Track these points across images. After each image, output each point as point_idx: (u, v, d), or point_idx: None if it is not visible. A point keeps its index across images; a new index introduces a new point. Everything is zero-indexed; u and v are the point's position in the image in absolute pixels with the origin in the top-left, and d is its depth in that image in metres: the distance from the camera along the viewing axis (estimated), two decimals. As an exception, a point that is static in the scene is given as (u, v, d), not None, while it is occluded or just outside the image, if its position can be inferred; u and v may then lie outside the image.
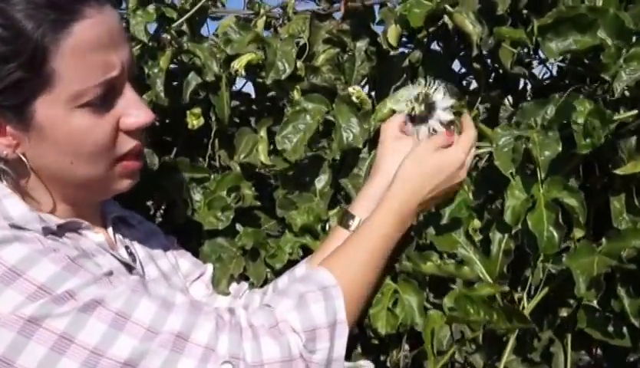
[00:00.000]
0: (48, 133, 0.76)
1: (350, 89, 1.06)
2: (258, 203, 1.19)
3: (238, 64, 1.12)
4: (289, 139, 1.08)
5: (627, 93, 0.99)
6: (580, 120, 0.95)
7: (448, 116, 0.92)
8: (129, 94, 0.80)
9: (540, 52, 1.25)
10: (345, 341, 0.82)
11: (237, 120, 1.36)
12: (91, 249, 0.81)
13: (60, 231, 0.79)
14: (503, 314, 0.86)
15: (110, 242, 0.88)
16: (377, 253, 0.88)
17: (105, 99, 0.77)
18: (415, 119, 0.92)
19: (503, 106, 1.35)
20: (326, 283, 0.85)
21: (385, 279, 1.03)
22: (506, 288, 0.98)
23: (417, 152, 0.90)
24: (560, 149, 0.94)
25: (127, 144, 0.81)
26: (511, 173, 0.96)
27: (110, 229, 0.91)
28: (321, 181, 1.15)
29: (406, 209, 0.89)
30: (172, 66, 1.21)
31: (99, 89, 0.76)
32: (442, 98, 0.92)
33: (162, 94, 1.14)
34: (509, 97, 1.39)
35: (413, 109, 0.91)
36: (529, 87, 1.35)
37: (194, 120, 1.19)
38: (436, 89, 0.92)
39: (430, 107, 0.92)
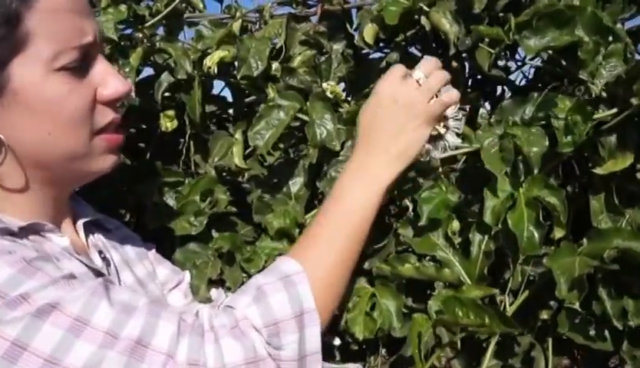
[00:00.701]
0: (24, 98, 0.71)
1: (324, 84, 1.03)
2: (234, 209, 1.15)
3: (210, 61, 1.08)
4: (261, 135, 1.03)
5: (604, 94, 0.96)
6: (561, 117, 0.92)
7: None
8: (104, 65, 0.77)
9: (518, 55, 1.24)
10: (318, 331, 0.76)
11: (214, 126, 1.33)
12: (55, 253, 0.76)
13: (21, 232, 0.74)
14: (496, 317, 0.81)
15: (79, 247, 0.84)
16: (348, 226, 0.83)
17: (81, 66, 0.74)
18: None
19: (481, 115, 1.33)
20: (287, 270, 0.80)
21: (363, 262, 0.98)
22: (496, 290, 0.94)
23: (374, 90, 0.86)
24: (547, 143, 0.91)
25: (106, 116, 0.78)
26: (504, 173, 0.93)
27: (82, 233, 0.86)
28: (297, 184, 1.11)
29: (373, 163, 0.84)
30: (147, 68, 1.18)
31: (75, 52, 0.72)
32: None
33: (133, 94, 1.09)
34: (487, 104, 1.38)
35: None
36: (507, 94, 1.33)
37: (168, 123, 1.15)
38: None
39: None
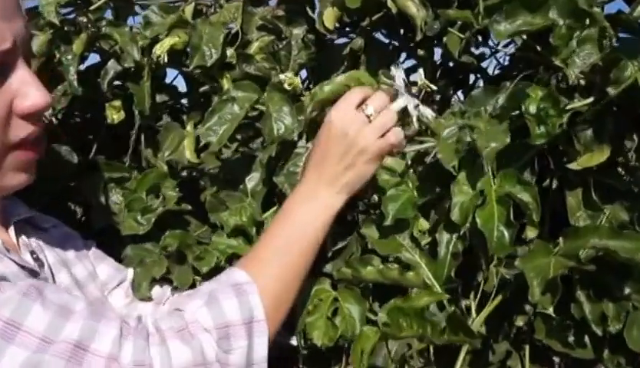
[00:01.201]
0: None
1: (282, 75, 0.96)
2: (189, 207, 1.09)
3: (160, 49, 1.00)
4: (214, 131, 0.97)
5: (582, 81, 0.91)
6: (532, 108, 0.87)
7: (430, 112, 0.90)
8: (23, 74, 0.70)
9: (492, 41, 1.18)
10: (266, 341, 0.76)
11: (168, 117, 1.26)
12: None
13: None
14: (446, 326, 0.76)
15: (11, 246, 0.79)
16: (297, 244, 0.83)
17: None
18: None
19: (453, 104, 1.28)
20: (238, 279, 0.80)
21: (314, 281, 0.94)
22: (447, 296, 0.88)
23: (327, 117, 0.86)
24: (508, 140, 0.86)
25: (22, 130, 0.72)
26: (454, 167, 0.87)
27: (12, 232, 0.82)
28: (253, 179, 1.05)
29: (323, 192, 0.84)
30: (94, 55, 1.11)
31: None
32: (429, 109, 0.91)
33: (75, 83, 1.02)
34: (459, 94, 1.32)
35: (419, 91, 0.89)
36: (480, 83, 1.28)
37: (114, 114, 1.08)
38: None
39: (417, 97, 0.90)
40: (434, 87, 0.89)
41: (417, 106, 0.88)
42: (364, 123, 0.85)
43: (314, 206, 0.85)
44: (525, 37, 1.02)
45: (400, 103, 0.88)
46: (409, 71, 1.22)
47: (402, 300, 0.88)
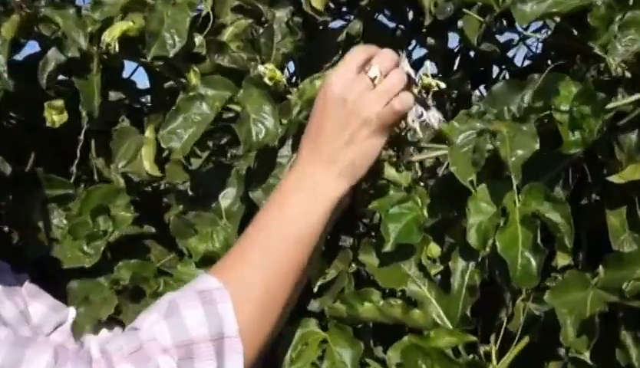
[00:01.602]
0: None
1: (261, 67, 0.99)
2: (152, 229, 1.11)
3: (109, 36, 1.03)
4: (178, 136, 1.00)
5: (627, 73, 0.94)
6: (564, 108, 0.90)
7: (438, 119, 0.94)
8: None
9: (518, 25, 1.21)
10: (241, 359, 0.77)
11: (126, 119, 1.28)
12: None
13: None
14: None
15: None
16: (287, 242, 0.84)
17: None
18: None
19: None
20: (207, 286, 0.81)
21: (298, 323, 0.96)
22: (473, 338, 0.91)
23: (324, 82, 0.89)
24: (537, 146, 0.88)
25: None
26: (471, 182, 0.89)
27: None
28: (228, 196, 1.07)
29: (320, 173, 0.86)
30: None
31: None
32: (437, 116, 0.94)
33: (5, 76, 1.04)
34: (482, 90, 1.36)
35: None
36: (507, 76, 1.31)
37: (54, 115, 1.10)
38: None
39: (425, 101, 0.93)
40: (443, 85, 0.92)
41: (421, 115, 0.91)
42: (368, 87, 0.87)
43: (309, 193, 0.86)
44: (558, 19, 1.05)
45: None
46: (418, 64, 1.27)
47: (418, 338, 0.90)
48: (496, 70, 1.36)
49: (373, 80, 0.87)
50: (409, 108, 0.88)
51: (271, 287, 0.82)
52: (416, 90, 0.91)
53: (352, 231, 1.21)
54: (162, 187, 1.20)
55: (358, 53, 0.89)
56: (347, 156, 0.86)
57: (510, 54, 1.33)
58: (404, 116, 0.91)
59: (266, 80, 0.99)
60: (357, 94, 0.86)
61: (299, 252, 0.85)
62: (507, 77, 1.32)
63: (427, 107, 0.92)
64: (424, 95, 0.92)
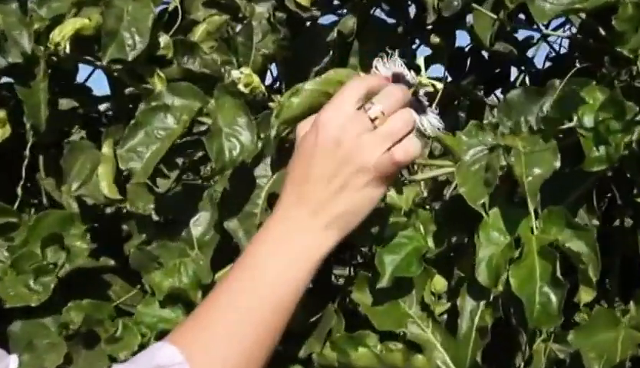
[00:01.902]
0: None
1: (235, 73, 1.01)
2: (112, 262, 1.13)
3: (59, 35, 1.05)
4: (139, 154, 1.01)
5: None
6: (588, 120, 0.92)
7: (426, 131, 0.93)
8: None
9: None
10: None
11: (81, 132, 1.30)
12: None
13: None
14: None
15: None
16: (263, 304, 0.84)
17: None
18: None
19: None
20: (164, 361, 0.81)
21: None
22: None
23: (316, 119, 0.88)
24: (558, 164, 0.90)
25: None
26: (483, 205, 0.91)
27: None
28: (201, 223, 1.09)
29: (302, 227, 0.86)
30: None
31: None
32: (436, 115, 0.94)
33: None
34: (498, 94, 1.39)
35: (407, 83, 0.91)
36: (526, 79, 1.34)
37: (-5, 129, 1.12)
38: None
39: (421, 104, 0.93)
40: (439, 85, 0.93)
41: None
42: (366, 128, 0.86)
43: (291, 247, 0.86)
44: (584, 15, 1.08)
45: None
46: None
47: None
48: (514, 71, 1.38)
49: (373, 120, 0.87)
50: (413, 158, 0.88)
51: (243, 362, 0.83)
52: (410, 92, 0.91)
53: (347, 261, 1.23)
54: (123, 211, 1.22)
55: (359, 85, 0.88)
56: (337, 207, 0.86)
57: (530, 53, 1.36)
58: None
59: (241, 87, 1.01)
60: (353, 136, 0.85)
61: (278, 319, 0.85)
62: (527, 80, 1.35)
63: (422, 111, 0.92)
64: (420, 98, 0.92)
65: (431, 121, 0.92)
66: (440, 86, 0.94)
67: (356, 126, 0.86)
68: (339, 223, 0.87)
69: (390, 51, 0.93)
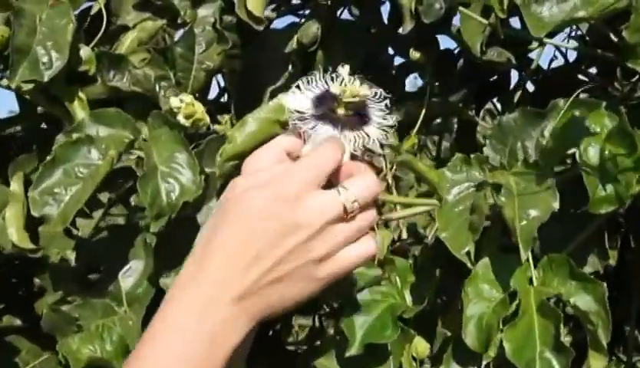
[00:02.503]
0: None
1: (174, 101, 1.03)
2: (18, 321, 1.17)
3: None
4: (56, 198, 1.04)
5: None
6: (592, 153, 0.96)
7: (375, 148, 0.93)
8: None
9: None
10: None
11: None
12: None
13: None
14: None
15: None
16: None
17: None
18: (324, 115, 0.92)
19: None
20: None
21: None
22: None
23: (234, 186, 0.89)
24: (557, 205, 0.95)
25: None
26: (468, 254, 0.96)
27: None
28: (131, 274, 1.13)
29: (212, 304, 0.87)
30: None
31: None
32: (376, 104, 0.93)
33: None
34: (497, 105, 1.42)
35: (333, 100, 0.91)
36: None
37: None
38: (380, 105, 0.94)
39: (356, 119, 0.93)
40: (367, 93, 0.93)
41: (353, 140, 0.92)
42: (339, 215, 0.88)
43: (202, 341, 0.87)
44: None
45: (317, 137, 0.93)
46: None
47: None
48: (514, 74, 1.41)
49: (347, 212, 0.89)
50: (366, 260, 0.91)
51: None
52: (341, 111, 0.93)
53: (312, 309, 1.25)
54: (35, 260, 1.23)
55: (325, 159, 0.90)
56: (264, 297, 0.89)
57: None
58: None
59: (181, 118, 1.02)
60: (323, 222, 0.88)
61: None
62: (529, 85, 1.38)
63: (361, 124, 0.93)
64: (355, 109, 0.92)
65: (372, 135, 0.93)
66: (367, 92, 0.94)
67: (329, 209, 0.88)
68: (260, 311, 0.89)
69: (340, 67, 0.95)
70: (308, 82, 0.93)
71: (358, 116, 0.93)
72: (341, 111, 0.92)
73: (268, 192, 0.88)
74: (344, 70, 0.92)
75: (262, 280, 0.88)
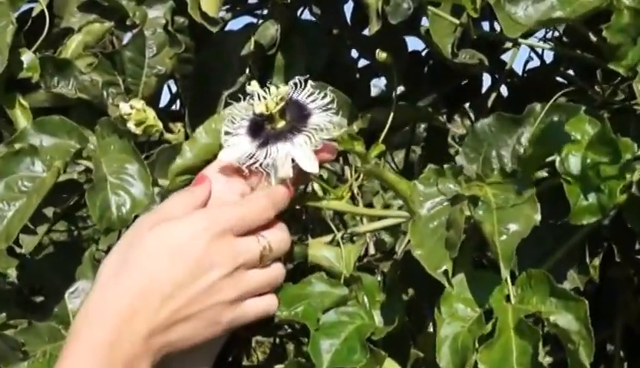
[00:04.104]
0: None
1: (124, 106, 1.03)
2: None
3: None
4: None
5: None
6: (574, 162, 0.96)
7: (329, 133, 0.96)
8: None
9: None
10: None
11: None
12: None
13: None
14: None
15: None
16: None
17: None
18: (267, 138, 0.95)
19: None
20: None
21: None
22: None
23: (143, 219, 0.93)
24: (538, 218, 0.95)
25: None
26: (445, 273, 0.96)
27: None
28: (79, 295, 1.12)
29: (121, 341, 0.88)
30: None
31: None
32: (304, 92, 0.97)
33: None
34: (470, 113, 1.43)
35: (266, 119, 0.94)
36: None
37: None
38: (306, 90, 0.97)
39: (297, 119, 0.96)
40: (288, 89, 0.95)
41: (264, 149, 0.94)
42: (255, 261, 0.94)
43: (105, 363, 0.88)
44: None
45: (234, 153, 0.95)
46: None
47: None
48: (487, 78, 1.42)
49: (262, 254, 0.94)
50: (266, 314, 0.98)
51: None
52: (281, 123, 0.94)
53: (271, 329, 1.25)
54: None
55: (255, 214, 0.95)
56: (170, 335, 0.91)
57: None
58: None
59: (132, 126, 1.03)
60: (227, 260, 0.92)
61: None
62: (503, 89, 1.39)
63: (303, 124, 0.96)
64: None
65: (320, 122, 0.96)
66: (287, 89, 0.95)
67: (242, 253, 0.93)
68: (165, 349, 0.92)
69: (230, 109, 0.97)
70: (232, 122, 0.97)
71: (298, 115, 0.96)
72: (280, 124, 0.96)
73: (182, 227, 0.91)
74: (252, 87, 0.96)
75: (170, 318, 0.90)
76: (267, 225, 0.95)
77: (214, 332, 0.93)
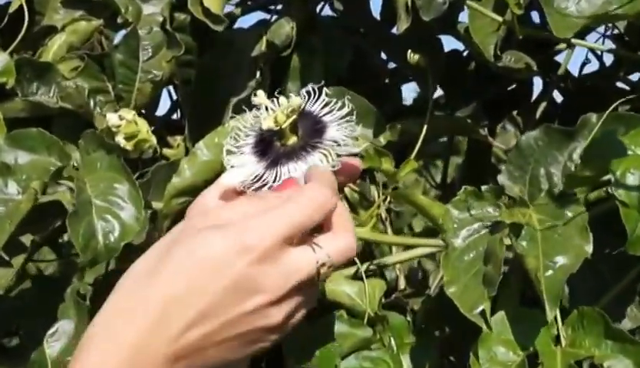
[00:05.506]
0: None
1: (112, 117, 1.04)
2: None
3: None
4: None
5: None
6: (632, 180, 0.97)
7: (349, 148, 0.94)
8: None
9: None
10: None
11: None
12: None
13: None
14: None
15: None
16: None
17: None
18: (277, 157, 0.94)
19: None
20: None
21: None
22: None
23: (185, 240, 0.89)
24: (590, 249, 0.95)
25: None
26: (483, 314, 0.97)
27: None
28: (59, 337, 1.14)
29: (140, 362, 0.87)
30: None
31: None
32: (318, 104, 0.96)
33: None
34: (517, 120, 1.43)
35: (275, 135, 0.93)
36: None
37: None
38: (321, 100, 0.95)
39: (311, 134, 0.95)
40: (299, 101, 0.91)
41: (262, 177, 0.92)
42: (310, 280, 0.90)
43: None
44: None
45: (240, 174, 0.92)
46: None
47: None
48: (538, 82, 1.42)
49: (319, 271, 0.90)
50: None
51: None
52: (292, 139, 0.93)
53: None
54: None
55: (311, 211, 0.90)
56: (200, 358, 0.89)
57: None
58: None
59: (121, 139, 1.04)
60: (280, 284, 0.89)
61: None
62: (555, 95, 1.39)
63: (318, 140, 0.94)
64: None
65: (338, 136, 0.94)
66: (299, 100, 0.93)
67: (298, 272, 0.89)
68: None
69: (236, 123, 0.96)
70: (235, 139, 0.95)
71: (312, 129, 0.95)
72: (292, 140, 0.94)
73: (230, 236, 0.87)
74: (258, 98, 0.93)
75: (203, 341, 0.89)
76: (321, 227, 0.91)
77: (245, 355, 0.92)
